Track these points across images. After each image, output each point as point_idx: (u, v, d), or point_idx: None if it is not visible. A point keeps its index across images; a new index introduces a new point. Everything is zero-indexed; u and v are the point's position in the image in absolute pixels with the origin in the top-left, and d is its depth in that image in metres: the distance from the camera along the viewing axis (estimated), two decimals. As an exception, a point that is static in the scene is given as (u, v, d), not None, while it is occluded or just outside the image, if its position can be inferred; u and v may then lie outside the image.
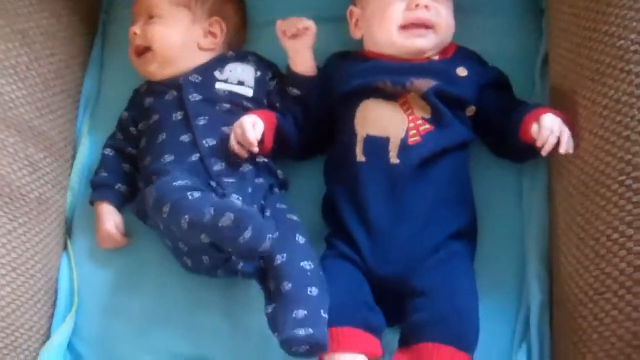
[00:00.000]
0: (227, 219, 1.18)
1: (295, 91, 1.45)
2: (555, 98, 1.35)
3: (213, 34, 1.51)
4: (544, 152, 1.23)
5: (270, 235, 1.20)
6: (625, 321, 1.06)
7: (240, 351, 1.36)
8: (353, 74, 1.38)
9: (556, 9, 1.37)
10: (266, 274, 1.27)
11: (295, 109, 1.44)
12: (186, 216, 1.21)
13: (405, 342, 1.22)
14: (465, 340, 1.19)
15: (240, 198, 1.32)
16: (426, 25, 1.36)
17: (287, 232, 1.29)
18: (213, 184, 1.35)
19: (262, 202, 1.36)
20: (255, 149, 1.34)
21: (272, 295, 1.24)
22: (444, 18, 1.37)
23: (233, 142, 1.36)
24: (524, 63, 1.47)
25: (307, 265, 1.25)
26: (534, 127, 1.24)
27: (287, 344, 1.18)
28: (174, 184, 1.29)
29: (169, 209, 1.24)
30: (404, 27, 1.36)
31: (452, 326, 1.18)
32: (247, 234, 1.17)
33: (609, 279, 1.10)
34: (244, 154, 1.36)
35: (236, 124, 1.36)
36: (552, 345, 1.27)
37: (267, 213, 1.33)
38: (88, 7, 1.63)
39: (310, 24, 1.40)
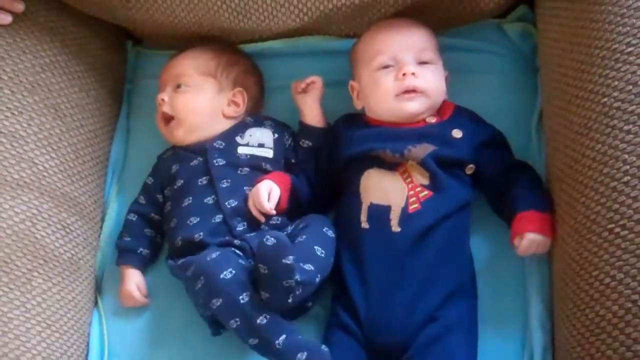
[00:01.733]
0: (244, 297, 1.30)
1: (307, 143, 1.54)
2: (550, 152, 1.41)
3: (236, 103, 1.57)
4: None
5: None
6: (618, 360, 1.11)
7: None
8: (356, 139, 1.44)
9: (547, 69, 1.44)
10: None
11: (308, 165, 1.51)
12: (238, 320, 1.30)
13: None
14: None
15: None
16: (415, 91, 1.41)
17: (314, 222, 1.41)
18: (237, 242, 1.41)
19: None
20: (273, 213, 1.41)
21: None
22: (431, 82, 1.42)
23: (252, 208, 1.43)
24: (521, 119, 1.52)
25: (318, 250, 1.34)
26: (517, 241, 1.32)
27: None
28: (221, 276, 1.32)
29: (220, 303, 1.30)
30: (397, 95, 1.41)
31: None
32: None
33: (604, 321, 1.14)
34: (261, 218, 1.43)
35: (253, 191, 1.43)
36: (555, 387, 1.30)
37: None
38: (114, 79, 1.70)
39: (316, 78, 1.51)
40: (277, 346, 1.27)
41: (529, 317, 1.35)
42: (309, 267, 1.30)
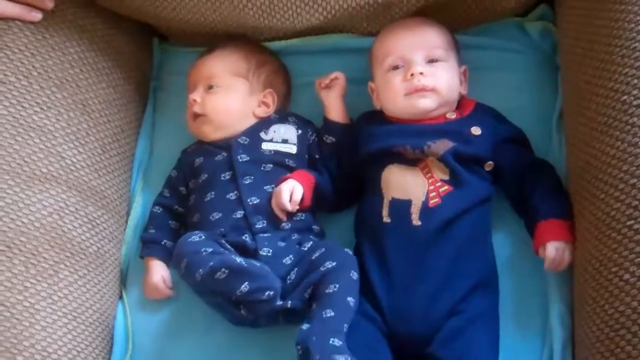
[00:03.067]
0: (221, 274, 1.31)
1: (330, 138, 1.55)
2: (569, 149, 1.42)
3: (266, 104, 1.59)
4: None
5: (271, 290, 1.31)
6: (638, 356, 1.11)
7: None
8: (377, 136, 1.46)
9: (567, 67, 1.45)
10: (313, 296, 1.36)
11: (331, 161, 1.53)
12: (200, 270, 1.33)
13: None
14: None
15: (271, 251, 1.42)
16: (425, 89, 1.42)
17: (344, 265, 1.37)
18: (247, 237, 1.43)
19: (292, 257, 1.43)
20: (294, 211, 1.44)
21: (311, 315, 1.32)
22: (442, 79, 1.43)
23: (274, 207, 1.45)
24: (541, 117, 1.52)
25: (351, 301, 1.33)
26: (540, 251, 1.33)
27: None
28: (189, 240, 1.38)
29: (203, 272, 1.34)
30: (407, 94, 1.43)
31: None
32: (244, 288, 1.29)
33: (623, 317, 1.15)
34: (283, 217, 1.45)
35: (276, 191, 1.46)
36: (575, 382, 1.30)
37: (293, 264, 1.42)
38: (140, 76, 1.72)
39: (339, 74, 1.54)
40: (239, 294, 1.31)
41: (549, 314, 1.36)
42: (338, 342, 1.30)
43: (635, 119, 1.19)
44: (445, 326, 1.31)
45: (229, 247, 1.42)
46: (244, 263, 1.34)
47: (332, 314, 1.31)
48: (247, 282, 1.31)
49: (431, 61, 1.45)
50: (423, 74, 1.42)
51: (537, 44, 1.61)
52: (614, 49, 1.26)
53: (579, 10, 1.43)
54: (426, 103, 1.43)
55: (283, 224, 1.46)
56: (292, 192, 1.45)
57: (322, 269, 1.37)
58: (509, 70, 1.60)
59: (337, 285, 1.34)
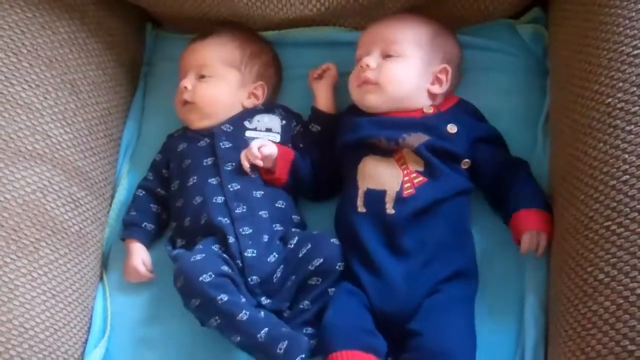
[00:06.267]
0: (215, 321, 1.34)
1: (316, 127, 1.56)
2: (553, 150, 1.43)
3: (256, 96, 1.60)
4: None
5: (302, 355, 1.30)
6: (608, 355, 1.12)
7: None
8: (353, 126, 1.47)
9: (556, 69, 1.47)
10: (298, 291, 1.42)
11: (314, 149, 1.54)
12: (217, 318, 1.34)
13: None
14: None
15: (255, 251, 1.42)
16: (369, 83, 1.45)
17: (331, 258, 1.40)
18: (231, 239, 1.42)
19: (277, 254, 1.44)
20: (260, 163, 1.46)
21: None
22: (390, 75, 1.44)
23: (243, 159, 1.48)
24: (528, 118, 1.54)
25: (331, 291, 1.39)
26: (518, 240, 1.36)
27: None
28: (200, 279, 1.35)
29: (199, 304, 1.34)
30: (359, 87, 1.47)
31: None
32: (281, 349, 1.30)
33: (595, 317, 1.16)
34: (246, 165, 1.47)
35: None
36: (547, 381, 1.31)
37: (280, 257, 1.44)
38: (131, 59, 1.73)
39: (331, 65, 1.57)
40: (260, 339, 1.31)
41: (524, 312, 1.37)
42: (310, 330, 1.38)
43: (618, 122, 1.20)
44: (424, 302, 1.33)
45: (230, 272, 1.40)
46: (245, 319, 1.33)
47: (310, 306, 1.37)
48: (238, 336, 1.33)
49: (387, 56, 1.46)
50: (369, 67, 1.45)
51: (528, 47, 1.62)
52: (602, 52, 1.27)
53: (570, 13, 1.44)
54: (371, 99, 1.46)
55: (261, 212, 1.47)
56: (262, 145, 1.47)
57: (310, 267, 1.39)
58: (498, 71, 1.61)
59: (320, 279, 1.39)
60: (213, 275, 1.34)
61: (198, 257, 1.38)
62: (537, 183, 1.42)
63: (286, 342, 1.30)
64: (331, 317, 1.34)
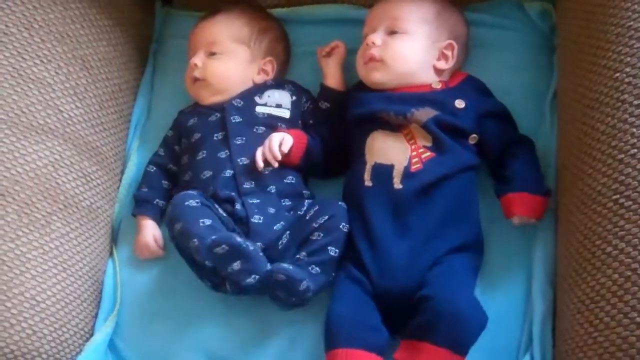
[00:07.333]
0: (221, 249, 1.33)
1: (325, 104, 1.57)
2: (561, 125, 1.44)
3: (265, 72, 1.61)
4: None
5: (257, 274, 1.34)
6: (616, 327, 1.14)
7: (266, 351, 1.43)
8: (362, 101, 1.48)
9: (564, 45, 1.47)
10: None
11: (324, 127, 1.55)
12: (195, 240, 1.36)
13: (409, 337, 1.29)
14: (460, 344, 1.25)
15: (262, 218, 1.44)
16: (373, 60, 1.46)
17: (335, 216, 1.42)
18: (238, 205, 1.45)
19: (284, 223, 1.45)
20: (275, 164, 1.46)
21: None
22: (395, 51, 1.46)
23: (258, 153, 1.47)
24: (536, 96, 1.54)
25: (332, 250, 1.39)
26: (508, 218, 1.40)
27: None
28: (186, 203, 1.40)
29: (180, 227, 1.38)
30: (365, 64, 1.48)
31: (450, 331, 1.24)
32: (236, 266, 1.32)
33: (603, 289, 1.18)
34: (260, 164, 1.46)
35: (267, 138, 1.48)
36: (554, 353, 1.32)
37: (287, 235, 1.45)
38: (141, 37, 1.74)
39: (340, 43, 1.57)
40: (229, 270, 1.35)
41: (532, 284, 1.38)
42: (316, 270, 1.36)
43: (626, 96, 1.21)
44: (428, 274, 1.33)
45: (222, 212, 1.44)
46: (242, 244, 1.35)
47: (306, 258, 1.38)
48: (239, 262, 1.34)
49: (392, 33, 1.47)
50: (375, 44, 1.46)
51: (535, 24, 1.62)
52: (609, 27, 1.27)
53: (578, -11, 1.44)
54: (376, 76, 1.48)
55: (270, 187, 1.48)
56: (282, 141, 1.47)
57: (314, 224, 1.41)
58: (506, 48, 1.61)
59: (322, 234, 1.39)
60: (210, 221, 1.38)
61: (193, 203, 1.41)
62: (537, 165, 1.43)
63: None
64: (336, 311, 1.34)
